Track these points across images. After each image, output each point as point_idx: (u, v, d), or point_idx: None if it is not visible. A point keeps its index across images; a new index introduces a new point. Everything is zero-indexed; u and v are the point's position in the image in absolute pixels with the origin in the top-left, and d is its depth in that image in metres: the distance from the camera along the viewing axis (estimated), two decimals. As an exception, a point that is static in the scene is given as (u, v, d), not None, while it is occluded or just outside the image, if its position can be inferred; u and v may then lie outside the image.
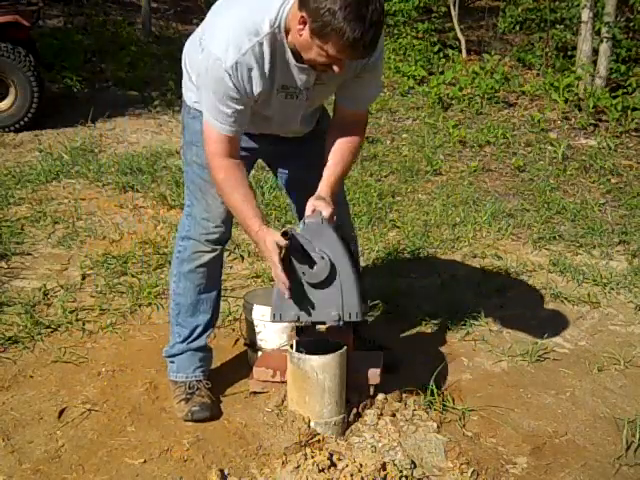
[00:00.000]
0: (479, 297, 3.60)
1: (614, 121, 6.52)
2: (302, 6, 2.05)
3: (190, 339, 2.66)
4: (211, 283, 2.65)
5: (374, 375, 2.62)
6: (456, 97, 7.25)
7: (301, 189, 2.64)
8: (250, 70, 2.16)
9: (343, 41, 2.02)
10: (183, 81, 2.50)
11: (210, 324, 2.70)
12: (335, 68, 2.13)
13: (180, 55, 2.50)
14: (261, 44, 2.14)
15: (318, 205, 2.37)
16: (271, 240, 2.24)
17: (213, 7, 2.34)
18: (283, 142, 2.56)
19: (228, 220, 2.54)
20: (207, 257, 2.58)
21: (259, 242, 2.31)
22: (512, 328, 3.32)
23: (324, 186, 2.43)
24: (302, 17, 2.05)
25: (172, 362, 2.69)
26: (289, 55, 2.20)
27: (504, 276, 3.79)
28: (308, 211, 2.39)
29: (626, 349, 3.18)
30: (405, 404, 2.64)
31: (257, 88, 2.20)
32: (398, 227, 4.40)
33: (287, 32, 2.15)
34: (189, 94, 2.46)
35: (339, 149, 2.46)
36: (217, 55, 2.13)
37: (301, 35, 2.09)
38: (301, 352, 2.45)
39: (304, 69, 2.23)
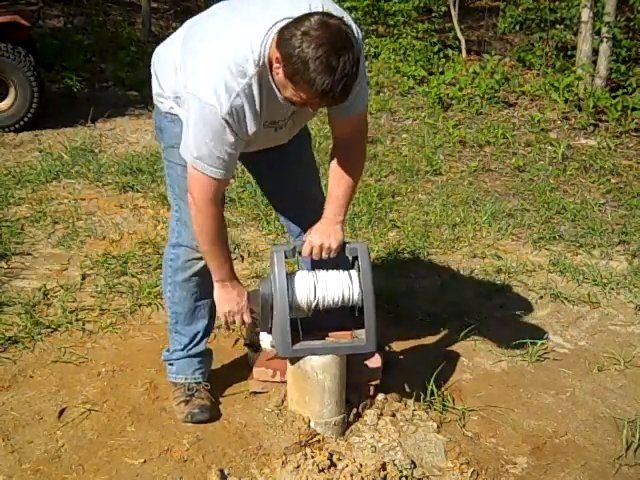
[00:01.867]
0: (479, 297, 3.60)
1: (614, 121, 6.52)
2: (278, 46, 2.05)
3: (190, 346, 2.65)
4: (206, 289, 2.59)
5: (374, 375, 2.62)
6: (456, 97, 7.25)
7: (276, 189, 2.72)
8: (244, 112, 2.15)
9: (313, 91, 2.01)
10: (154, 90, 2.48)
11: (209, 329, 2.70)
12: (310, 109, 2.16)
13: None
14: (250, 85, 2.12)
15: (306, 235, 2.46)
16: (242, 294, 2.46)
17: (189, 33, 2.30)
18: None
19: None
20: (200, 264, 2.55)
21: (230, 292, 2.44)
22: (512, 328, 3.32)
23: (328, 209, 2.47)
24: (277, 57, 2.05)
25: (171, 364, 2.69)
26: (275, 89, 2.18)
27: (504, 276, 3.80)
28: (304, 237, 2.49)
29: (626, 349, 3.18)
30: (405, 404, 2.64)
31: (252, 128, 2.21)
32: (398, 227, 4.39)
33: (271, 66, 2.13)
34: (162, 101, 2.43)
35: (339, 168, 2.47)
36: (211, 103, 2.10)
37: (277, 74, 2.09)
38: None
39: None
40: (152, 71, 2.48)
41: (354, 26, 2.19)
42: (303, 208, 2.65)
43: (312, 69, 1.96)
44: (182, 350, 2.65)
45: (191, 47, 2.25)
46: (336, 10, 2.21)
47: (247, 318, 2.48)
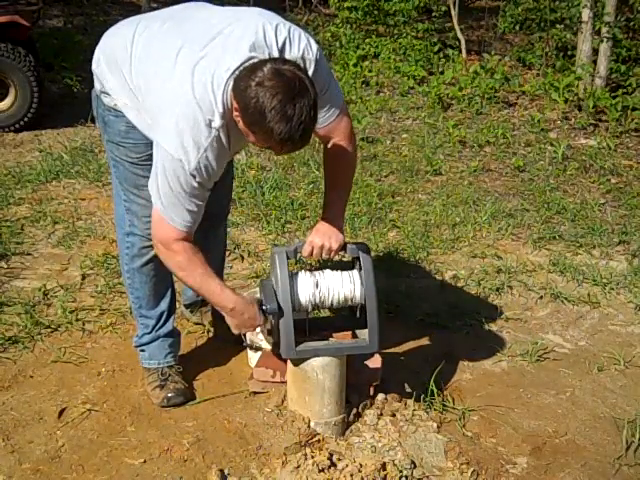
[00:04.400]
0: (479, 297, 3.60)
1: (614, 121, 6.51)
2: (235, 97, 2.07)
3: (158, 326, 2.72)
4: (164, 270, 2.65)
5: (374, 375, 2.62)
6: (456, 97, 7.24)
7: None
8: (213, 161, 2.16)
9: (272, 140, 2.04)
10: (97, 87, 2.46)
11: (173, 307, 2.78)
12: (275, 154, 2.20)
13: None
14: (217, 135, 2.14)
15: (310, 235, 2.47)
16: (255, 308, 2.38)
17: (143, 54, 2.27)
18: None
19: None
20: (155, 251, 2.55)
21: (241, 309, 2.36)
22: (512, 328, 3.33)
23: (327, 210, 2.50)
24: (236, 107, 2.07)
25: (143, 350, 2.76)
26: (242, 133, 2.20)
27: (504, 276, 3.79)
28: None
29: (626, 349, 3.18)
30: (405, 404, 2.64)
31: (220, 172, 2.24)
32: (398, 227, 4.39)
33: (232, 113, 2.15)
34: (106, 97, 2.42)
35: (332, 169, 2.52)
36: (178, 157, 2.11)
37: (238, 122, 2.11)
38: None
39: None
40: (94, 70, 2.46)
41: (304, 35, 2.23)
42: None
43: (269, 119, 1.98)
44: (150, 332, 2.72)
45: (151, 80, 2.23)
46: (284, 25, 2.22)
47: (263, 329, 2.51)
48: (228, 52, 2.14)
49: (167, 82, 2.16)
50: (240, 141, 2.26)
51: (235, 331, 2.45)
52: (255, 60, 2.09)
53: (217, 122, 2.12)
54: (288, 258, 2.38)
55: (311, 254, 2.45)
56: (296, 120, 1.99)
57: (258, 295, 2.59)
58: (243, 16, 2.26)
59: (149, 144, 2.41)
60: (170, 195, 2.17)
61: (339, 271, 2.45)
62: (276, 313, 2.35)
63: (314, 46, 2.24)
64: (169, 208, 2.20)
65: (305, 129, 2.03)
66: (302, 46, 2.21)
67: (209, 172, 2.17)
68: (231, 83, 2.09)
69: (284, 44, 2.18)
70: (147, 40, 2.30)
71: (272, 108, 1.97)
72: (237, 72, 2.09)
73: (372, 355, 2.60)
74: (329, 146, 2.47)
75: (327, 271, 2.45)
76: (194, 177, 2.14)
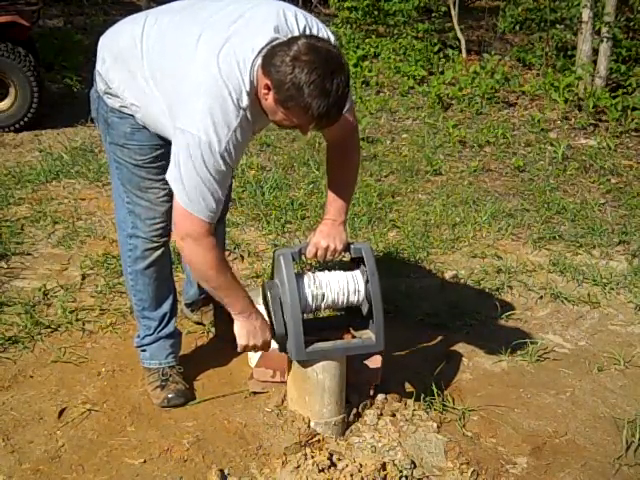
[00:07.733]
0: (479, 297, 3.61)
1: (614, 121, 6.51)
2: (266, 73, 2.03)
3: (160, 328, 2.71)
4: (166, 272, 2.70)
5: (374, 375, 2.62)
6: (456, 97, 7.25)
7: None
8: (242, 141, 2.14)
9: (308, 115, 2.01)
10: (100, 87, 2.44)
11: (175, 309, 2.77)
12: (301, 132, 2.16)
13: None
14: (245, 115, 2.11)
15: (310, 237, 2.46)
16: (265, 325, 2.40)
17: (157, 46, 2.24)
18: None
19: (170, 212, 2.53)
20: (158, 253, 2.60)
21: (253, 323, 2.38)
22: (512, 328, 3.33)
23: (329, 210, 2.48)
24: (266, 84, 2.04)
25: (144, 350, 2.76)
26: (263, 113, 2.17)
27: (504, 276, 3.79)
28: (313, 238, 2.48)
29: (626, 349, 3.18)
30: (405, 404, 2.64)
31: (243, 154, 2.23)
32: (398, 227, 4.39)
33: (257, 92, 2.12)
34: (111, 97, 2.40)
35: (335, 169, 2.51)
36: (207, 140, 2.06)
37: (266, 99, 2.08)
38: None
39: None
40: (99, 70, 2.44)
41: (321, 25, 2.23)
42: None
43: (307, 94, 1.96)
44: (152, 334, 2.72)
45: (170, 69, 2.20)
46: (302, 13, 2.22)
47: (268, 350, 2.50)
48: (252, 34, 2.11)
49: (190, 65, 2.12)
50: (257, 123, 2.23)
51: (239, 345, 2.41)
52: (282, 39, 2.07)
53: (244, 102, 2.08)
54: (293, 260, 2.37)
55: (315, 255, 2.44)
56: (333, 95, 1.97)
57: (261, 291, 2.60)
58: (261, 2, 2.25)
59: (154, 146, 2.40)
60: (196, 183, 2.11)
61: (343, 271, 2.45)
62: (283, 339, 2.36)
63: (332, 37, 2.23)
64: (194, 199, 2.13)
65: (340, 106, 2.02)
66: (321, 35, 2.20)
67: (237, 152, 2.13)
68: (259, 61, 2.06)
69: (304, 30, 2.17)
70: (159, 33, 2.27)
71: (311, 82, 1.94)
72: (264, 51, 2.06)
73: (372, 355, 2.60)
74: (335, 142, 2.46)
75: (331, 272, 2.44)
76: (223, 158, 2.09)
